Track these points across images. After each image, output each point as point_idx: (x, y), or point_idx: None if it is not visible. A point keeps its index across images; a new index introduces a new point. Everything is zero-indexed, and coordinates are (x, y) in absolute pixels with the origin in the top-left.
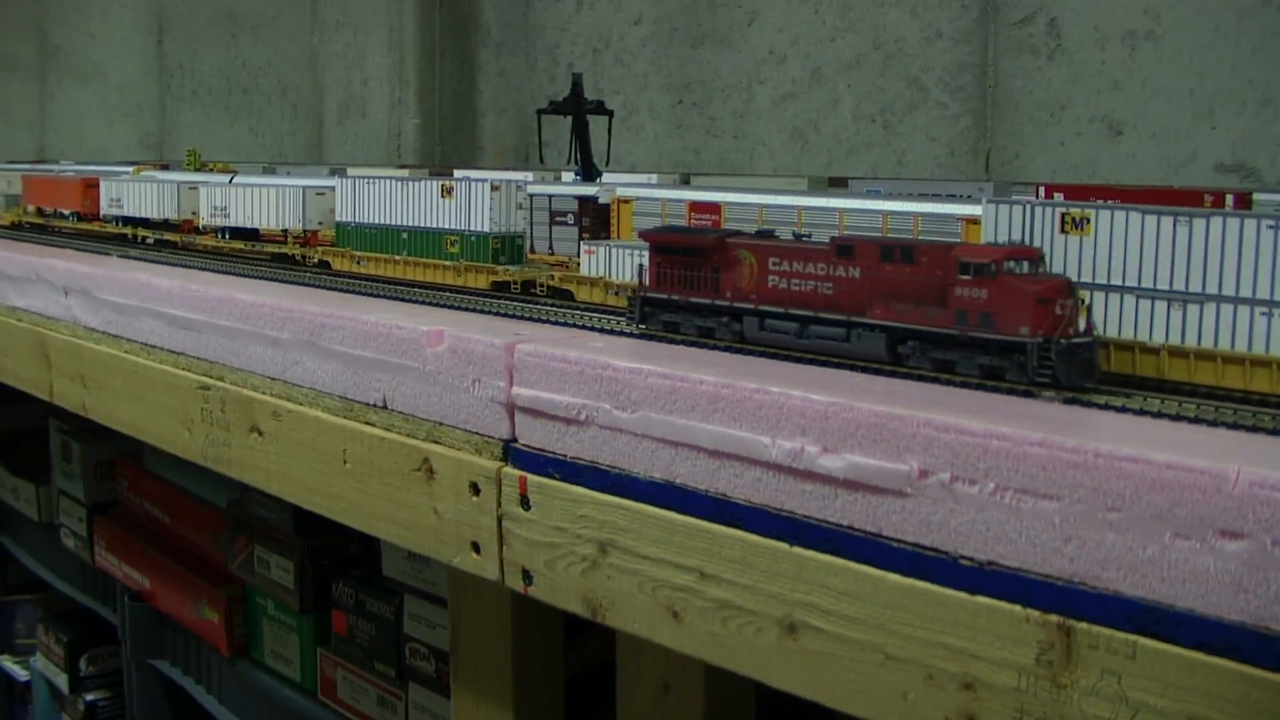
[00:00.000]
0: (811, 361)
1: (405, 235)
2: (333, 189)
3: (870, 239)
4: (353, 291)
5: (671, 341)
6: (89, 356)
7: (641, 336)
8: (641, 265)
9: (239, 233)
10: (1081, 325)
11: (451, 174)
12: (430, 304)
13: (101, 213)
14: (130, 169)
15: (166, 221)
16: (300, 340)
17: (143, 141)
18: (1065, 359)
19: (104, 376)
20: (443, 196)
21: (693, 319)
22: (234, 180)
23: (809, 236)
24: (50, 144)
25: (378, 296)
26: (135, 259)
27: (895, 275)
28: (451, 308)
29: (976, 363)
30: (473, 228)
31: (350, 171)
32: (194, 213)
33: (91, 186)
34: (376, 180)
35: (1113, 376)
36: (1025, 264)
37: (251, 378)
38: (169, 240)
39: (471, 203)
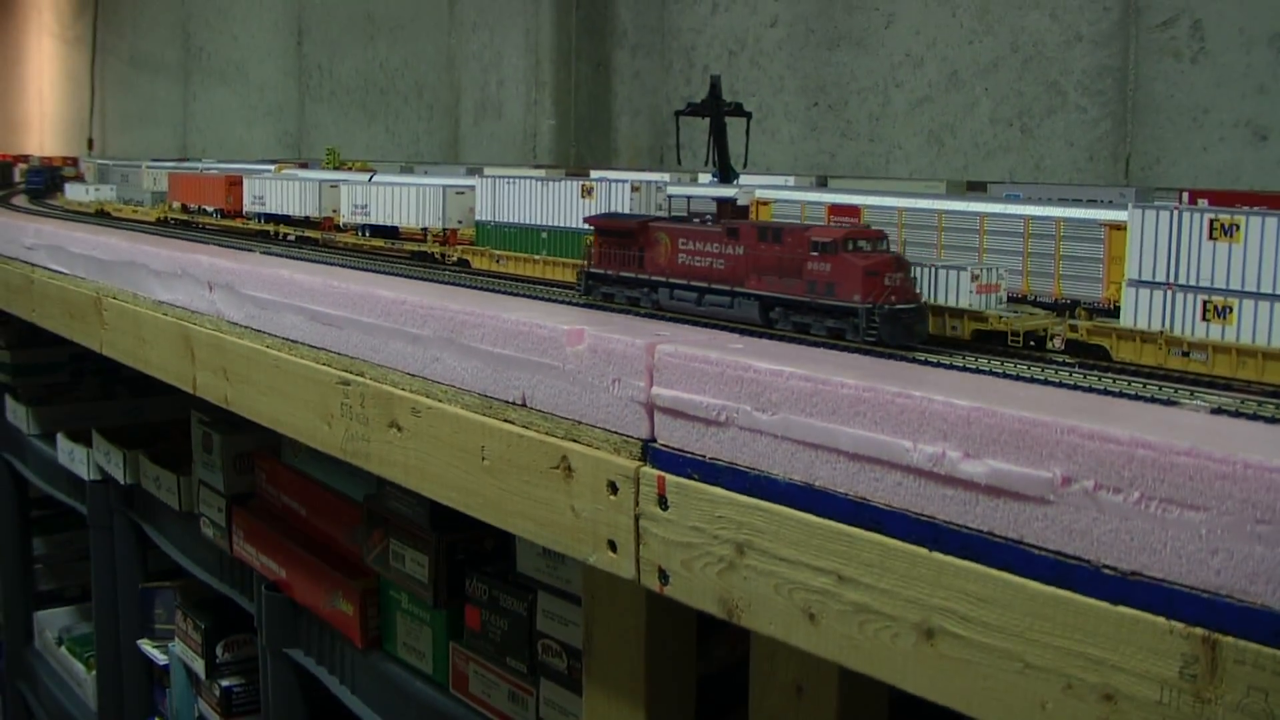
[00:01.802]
0: (950, 366)
1: (545, 235)
2: (472, 188)
3: (751, 223)
4: (492, 290)
5: (796, 341)
6: (232, 350)
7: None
8: (588, 245)
9: (379, 230)
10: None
11: (588, 174)
12: (570, 303)
13: (244, 210)
14: (271, 167)
15: (308, 219)
16: (440, 337)
17: (281, 140)
18: (889, 322)
19: (246, 370)
20: (583, 196)
21: (623, 290)
22: (373, 179)
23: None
24: (193, 142)
25: (517, 295)
26: (277, 255)
27: (767, 253)
28: (591, 307)
29: (825, 325)
30: None
31: (487, 171)
32: (334, 210)
33: (235, 184)
34: (516, 180)
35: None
36: (865, 243)
37: (391, 374)
38: (310, 237)
39: (612, 203)
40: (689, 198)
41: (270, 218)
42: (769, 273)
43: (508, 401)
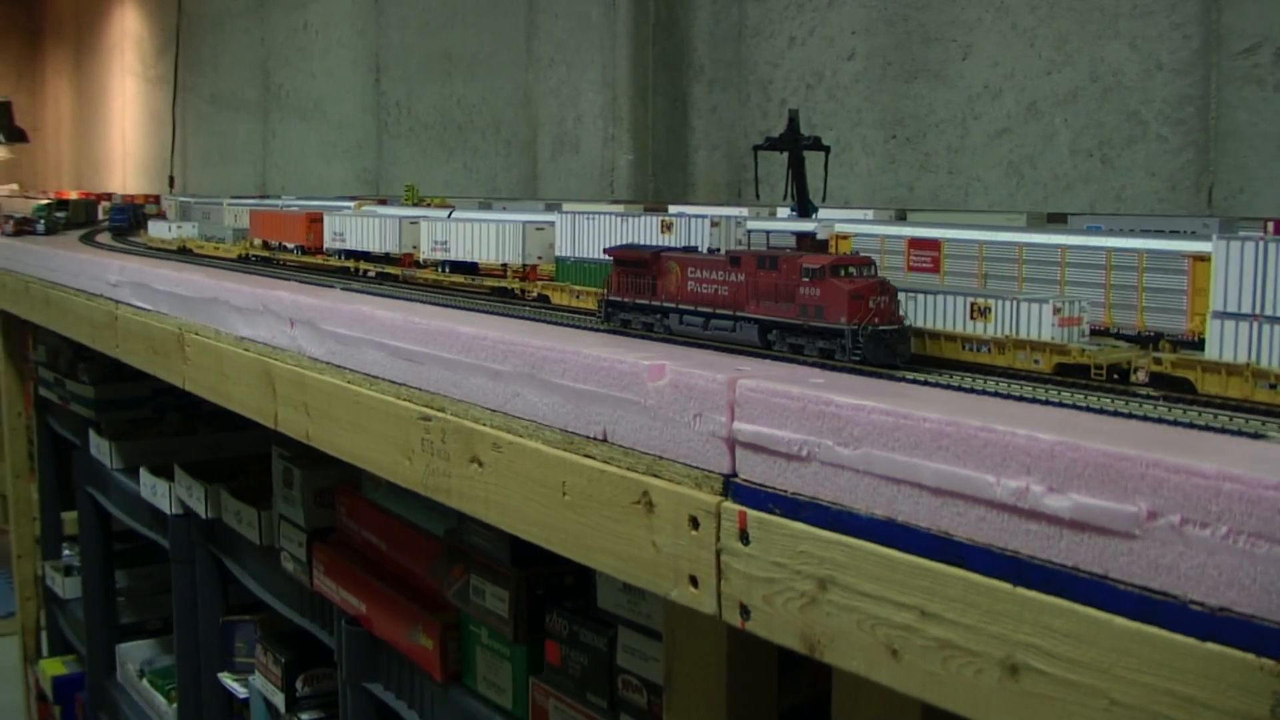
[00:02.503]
0: (1033, 400)
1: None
2: (552, 224)
3: (751, 252)
4: (573, 325)
5: (876, 375)
6: (313, 386)
7: (666, 341)
8: (607, 276)
9: (459, 266)
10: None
11: (666, 209)
12: (651, 338)
13: (325, 246)
14: (351, 204)
15: (388, 255)
16: (521, 373)
17: (360, 177)
18: (873, 342)
19: (327, 405)
20: (662, 232)
21: (639, 316)
22: (452, 215)
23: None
24: (272, 179)
25: (598, 331)
26: (358, 291)
27: (765, 280)
28: (672, 342)
29: (817, 346)
30: None
31: (566, 207)
32: (414, 247)
33: (315, 221)
34: (596, 215)
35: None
36: (852, 269)
37: (472, 409)
38: (390, 274)
39: (692, 238)
40: (768, 232)
41: (350, 254)
42: (766, 298)
43: (588, 437)
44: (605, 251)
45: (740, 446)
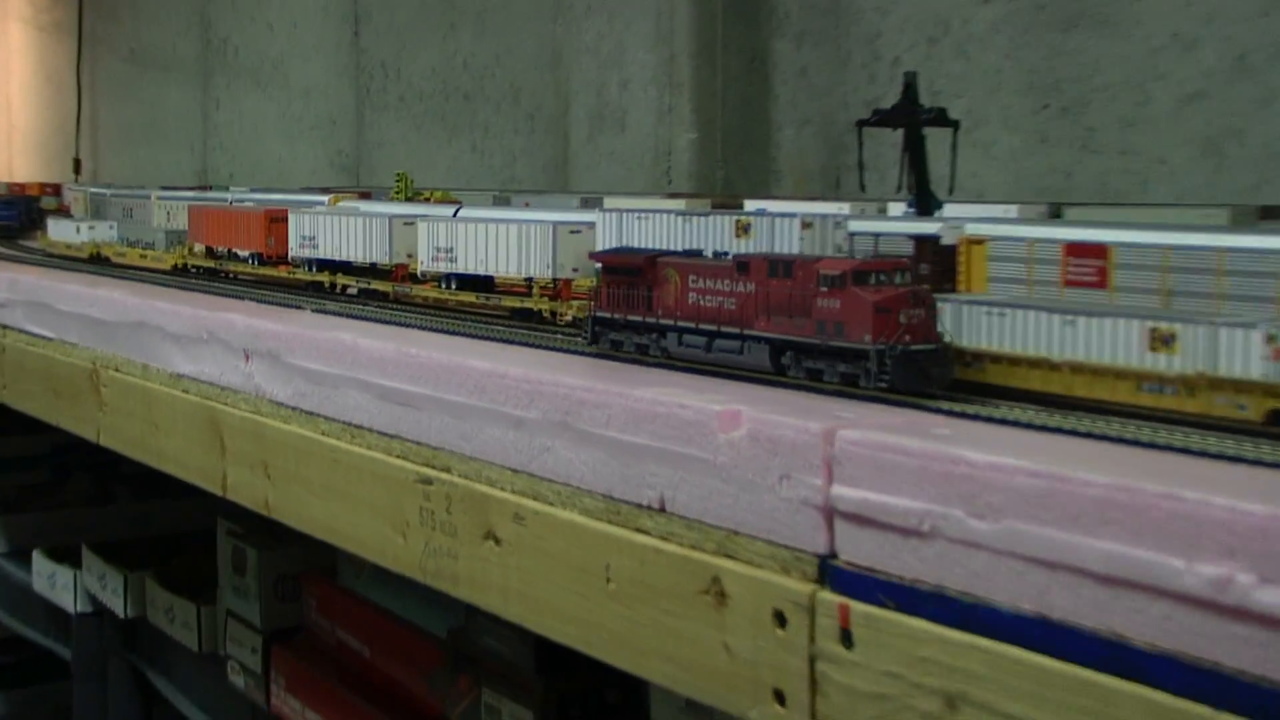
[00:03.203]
0: (1234, 458)
1: None
2: (591, 225)
3: (762, 256)
4: (619, 358)
5: (1020, 425)
6: (275, 439)
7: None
8: (593, 287)
9: (468, 281)
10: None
11: (741, 205)
12: (722, 375)
13: (290, 255)
14: (324, 198)
15: (374, 266)
16: (552, 421)
17: (334, 162)
18: (902, 365)
19: (294, 465)
20: (737, 235)
21: (632, 336)
22: (459, 214)
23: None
24: (216, 165)
25: (652, 365)
26: (335, 314)
27: (778, 290)
28: (751, 380)
29: (837, 370)
30: None
31: (608, 202)
32: (409, 255)
33: (278, 221)
34: (649, 215)
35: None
36: (879, 276)
37: (487, 469)
38: (377, 290)
39: (776, 242)
40: (876, 235)
41: (324, 265)
42: (779, 312)
43: (640, 505)
44: (591, 257)
45: (841, 518)
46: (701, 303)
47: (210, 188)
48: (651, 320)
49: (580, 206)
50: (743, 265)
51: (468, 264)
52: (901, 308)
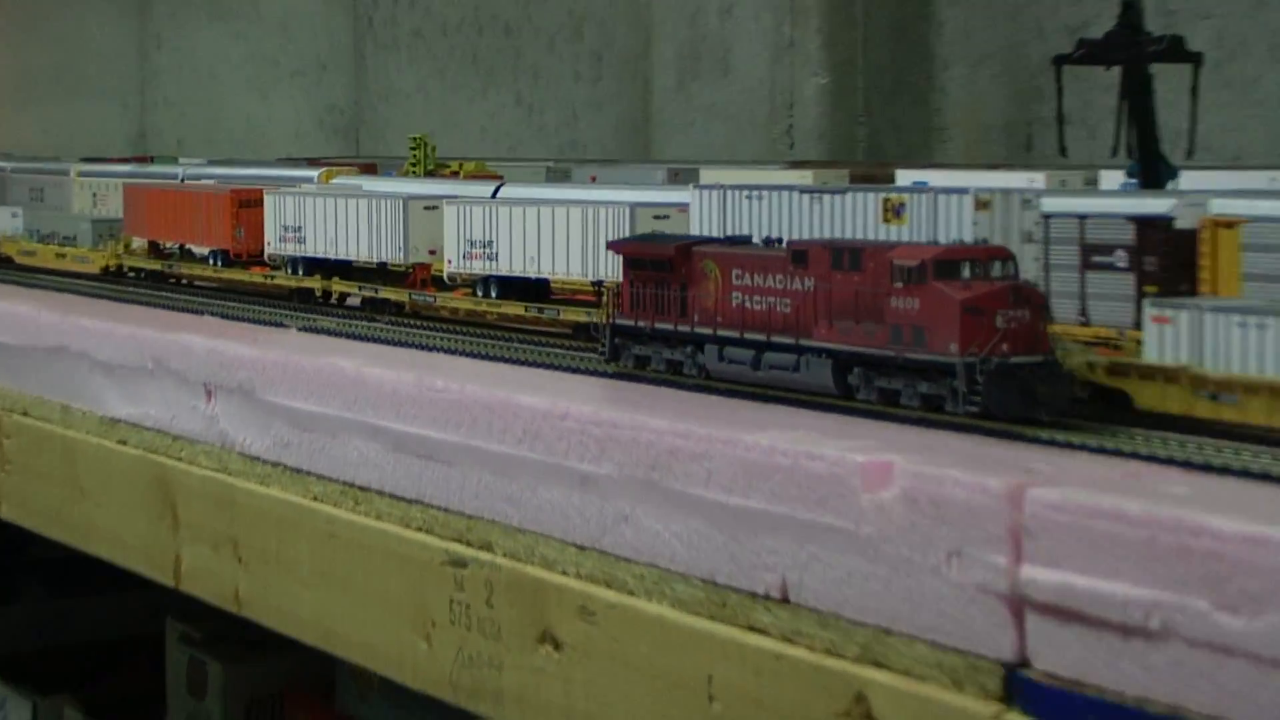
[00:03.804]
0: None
1: None
2: (683, 207)
3: (823, 243)
4: (723, 392)
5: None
6: (248, 507)
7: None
8: (610, 288)
9: (513, 287)
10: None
11: (891, 177)
12: (865, 413)
13: (267, 252)
14: (313, 173)
15: (383, 267)
16: (632, 479)
17: (325, 122)
18: (999, 383)
19: (274, 543)
20: (885, 219)
21: (661, 351)
22: (500, 193)
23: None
24: (159, 126)
25: (769, 401)
26: (331, 333)
27: (843, 286)
28: (903, 420)
29: (918, 391)
30: None
31: (705, 175)
32: (431, 251)
33: (249, 205)
34: (764, 192)
35: None
36: (971, 265)
37: (542, 544)
38: (389, 300)
39: (939, 226)
40: (1082, 217)
41: (315, 266)
42: (844, 315)
43: (755, 594)
44: (609, 246)
45: (1035, 611)
46: (748, 305)
47: (153, 159)
48: (685, 329)
49: (667, 181)
50: (799, 255)
51: (513, 263)
52: (999, 308)
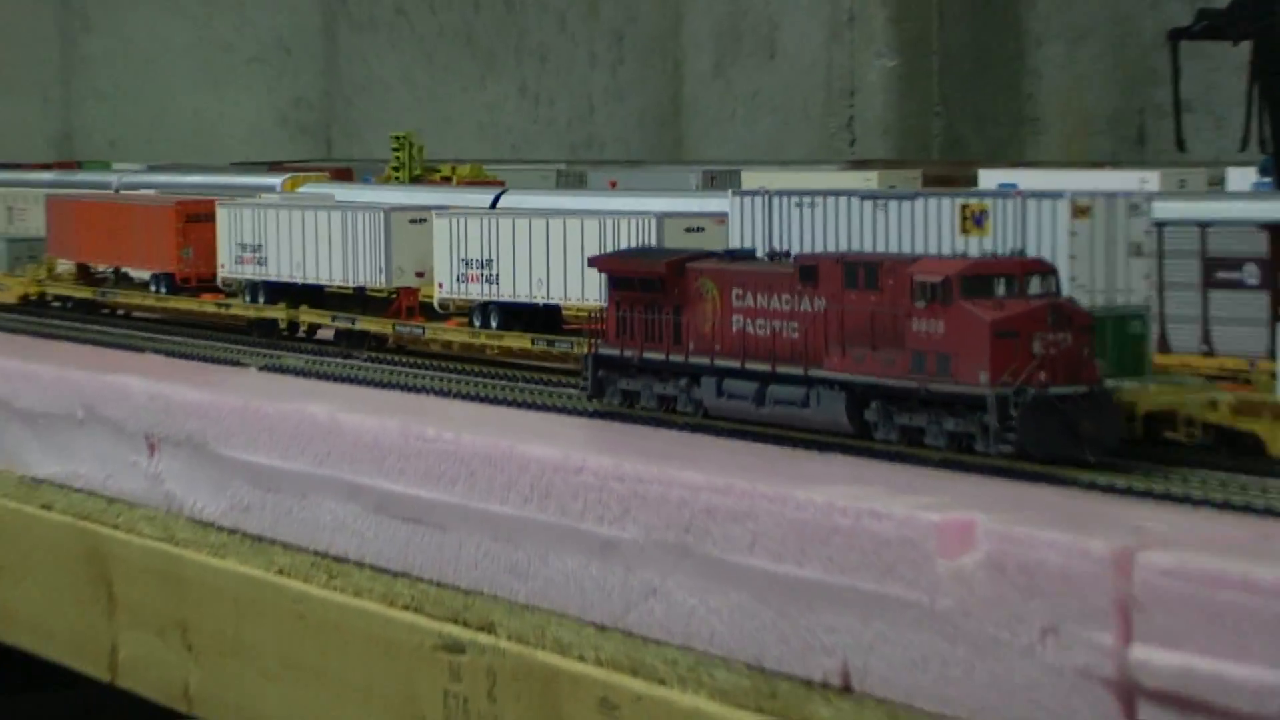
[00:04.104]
0: None
1: None
2: (718, 218)
3: (835, 257)
4: (769, 437)
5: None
6: (199, 583)
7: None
8: (593, 314)
9: (517, 315)
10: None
11: (974, 179)
12: (934, 461)
13: (220, 275)
14: (275, 180)
15: (361, 292)
16: (660, 543)
17: (289, 119)
18: (1036, 418)
19: (231, 627)
20: (964, 229)
21: (652, 385)
22: (501, 202)
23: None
24: (88, 125)
25: (824, 448)
26: (299, 373)
27: (858, 306)
28: (977, 469)
29: (944, 428)
30: None
31: (748, 178)
32: (419, 273)
33: (197, 220)
34: (817, 199)
35: None
36: (1006, 282)
37: (554, 624)
38: (366, 332)
39: (1030, 239)
40: (1203, 225)
41: (278, 291)
42: (859, 341)
43: (810, 682)
44: (591, 262)
45: (1148, 700)
46: (750, 330)
47: (80, 165)
48: (679, 359)
49: (702, 186)
50: (808, 271)
51: (516, 287)
52: (1036, 330)
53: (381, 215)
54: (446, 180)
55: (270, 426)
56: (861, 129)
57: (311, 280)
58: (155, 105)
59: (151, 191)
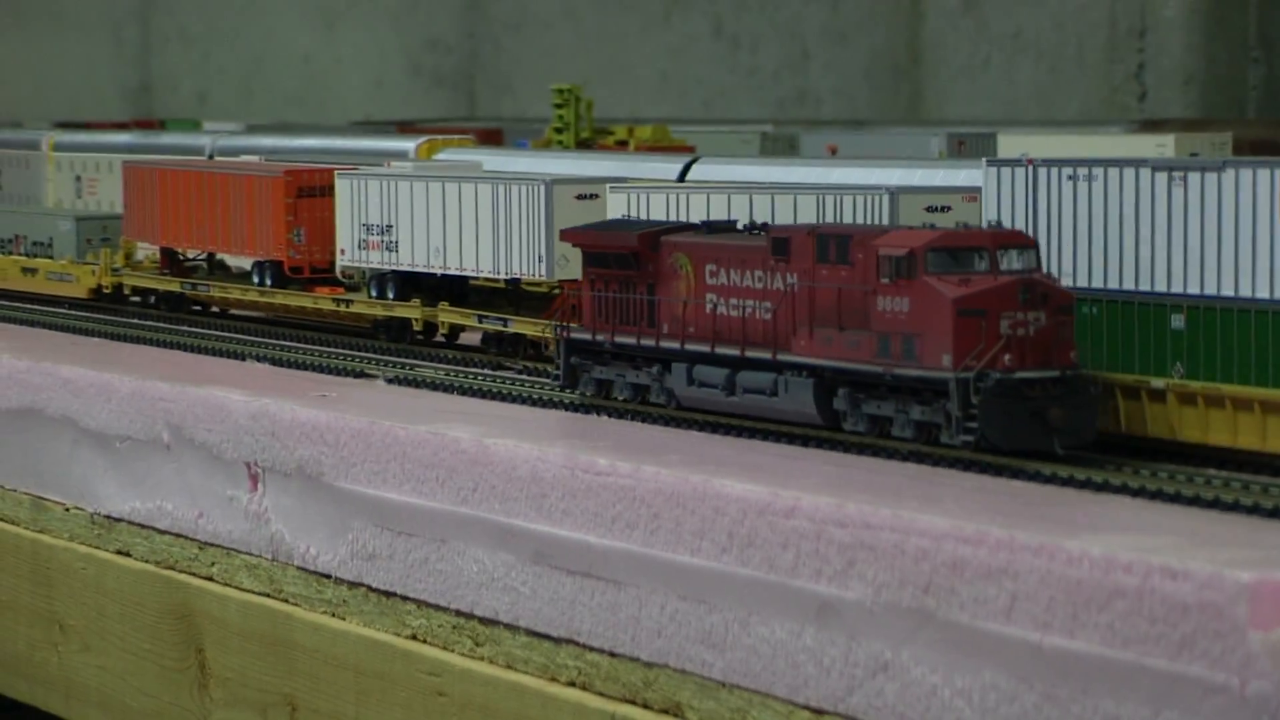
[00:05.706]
0: None
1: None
2: (969, 194)
3: (807, 228)
4: (1030, 474)
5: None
6: (311, 649)
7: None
8: (566, 295)
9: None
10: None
11: None
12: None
13: (339, 264)
14: (409, 144)
15: (514, 286)
16: (893, 606)
17: (420, 65)
18: (1001, 405)
19: (351, 705)
20: None
21: (626, 373)
22: (689, 174)
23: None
24: (171, 73)
25: (1101, 487)
26: (436, 387)
27: (827, 281)
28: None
29: (909, 418)
30: None
31: (1005, 144)
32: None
33: (311, 194)
34: (1096, 170)
35: None
36: (975, 255)
37: (757, 706)
38: (522, 336)
39: None
40: None
41: (412, 283)
42: (827, 321)
43: None
44: (563, 235)
45: None
46: (722, 310)
47: (163, 124)
48: (650, 343)
49: (947, 154)
50: (780, 244)
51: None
52: (1004, 308)
53: (541, 189)
54: (623, 145)
55: (401, 454)
56: (1155, 79)
57: (453, 271)
58: (255, 50)
59: (253, 158)
